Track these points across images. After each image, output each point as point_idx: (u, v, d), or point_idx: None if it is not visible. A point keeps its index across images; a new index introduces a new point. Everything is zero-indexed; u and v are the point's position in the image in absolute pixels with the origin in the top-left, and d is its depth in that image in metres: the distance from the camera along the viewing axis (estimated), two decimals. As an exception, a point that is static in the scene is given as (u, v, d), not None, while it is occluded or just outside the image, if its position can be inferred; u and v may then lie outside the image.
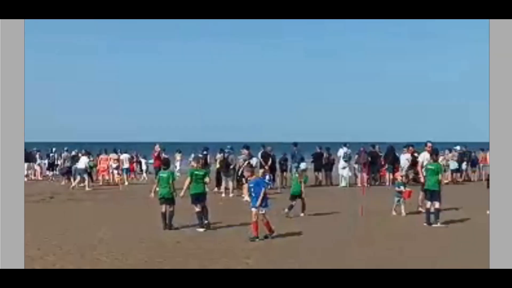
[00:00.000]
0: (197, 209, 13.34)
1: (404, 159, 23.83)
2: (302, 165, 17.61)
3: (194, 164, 14.82)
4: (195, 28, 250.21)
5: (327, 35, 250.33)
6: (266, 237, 11.94)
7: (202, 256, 10.40)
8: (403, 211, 15.36)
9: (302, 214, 15.41)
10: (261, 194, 11.75)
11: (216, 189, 22.11)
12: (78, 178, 25.07)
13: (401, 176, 16.26)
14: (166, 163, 14.82)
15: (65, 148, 30.08)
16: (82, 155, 25.81)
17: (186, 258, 10.30)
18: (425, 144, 16.04)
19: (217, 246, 11.38)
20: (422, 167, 14.81)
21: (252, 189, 12.10)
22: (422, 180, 14.59)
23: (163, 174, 13.83)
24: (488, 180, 14.64)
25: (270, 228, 12.07)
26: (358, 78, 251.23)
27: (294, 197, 15.48)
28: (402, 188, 15.52)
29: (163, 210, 13.54)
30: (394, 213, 15.41)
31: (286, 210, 15.15)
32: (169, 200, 13.56)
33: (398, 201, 15.44)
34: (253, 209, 11.88)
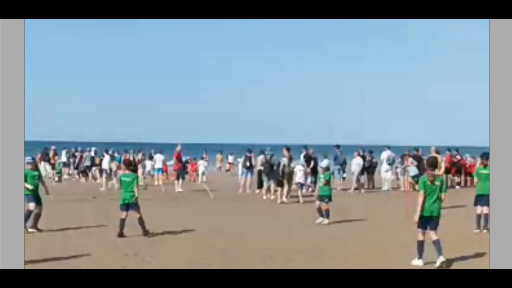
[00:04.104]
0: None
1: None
2: (324, 163, 16.47)
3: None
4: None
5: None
6: None
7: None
8: None
9: (326, 221, 14.30)
10: None
11: (257, 190, 22.34)
12: (104, 178, 24.70)
13: None
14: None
15: (93, 148, 29.63)
16: (109, 155, 25.37)
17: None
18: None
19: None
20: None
21: None
22: None
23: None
24: None
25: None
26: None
27: (321, 198, 14.66)
28: None
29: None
30: None
31: (320, 219, 14.37)
32: None
33: None
34: None
